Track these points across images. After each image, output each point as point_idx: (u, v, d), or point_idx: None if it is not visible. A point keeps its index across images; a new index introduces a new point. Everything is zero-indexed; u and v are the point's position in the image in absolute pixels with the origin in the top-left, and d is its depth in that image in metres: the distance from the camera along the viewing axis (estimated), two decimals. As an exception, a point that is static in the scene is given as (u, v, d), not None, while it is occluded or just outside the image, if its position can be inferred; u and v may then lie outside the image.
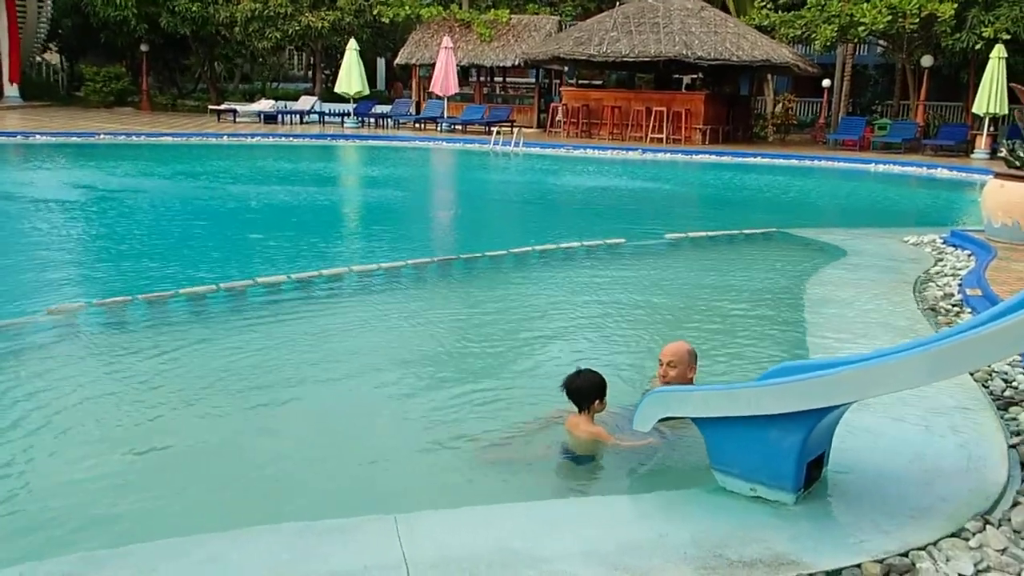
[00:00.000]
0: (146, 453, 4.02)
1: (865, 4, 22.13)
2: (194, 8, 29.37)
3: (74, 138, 20.61)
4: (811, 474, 3.47)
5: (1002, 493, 3.49)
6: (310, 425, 4.45)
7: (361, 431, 4.39)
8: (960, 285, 6.95)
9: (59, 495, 3.58)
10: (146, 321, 5.91)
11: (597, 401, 4.02)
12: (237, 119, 27.52)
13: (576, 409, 4.07)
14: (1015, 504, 3.41)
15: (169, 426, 4.32)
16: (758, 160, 20.59)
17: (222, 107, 28.76)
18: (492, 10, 29.14)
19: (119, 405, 4.51)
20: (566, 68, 29.89)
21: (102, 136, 21.16)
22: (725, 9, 26.74)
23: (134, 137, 21.57)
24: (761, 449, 3.39)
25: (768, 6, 24.87)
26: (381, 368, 5.23)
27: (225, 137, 22.47)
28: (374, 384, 4.99)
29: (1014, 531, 3.14)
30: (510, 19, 28.60)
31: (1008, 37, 20.69)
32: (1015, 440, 4.05)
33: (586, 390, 4.00)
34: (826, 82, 26.67)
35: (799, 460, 3.36)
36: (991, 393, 4.70)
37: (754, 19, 25.11)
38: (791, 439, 3.33)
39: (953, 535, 3.10)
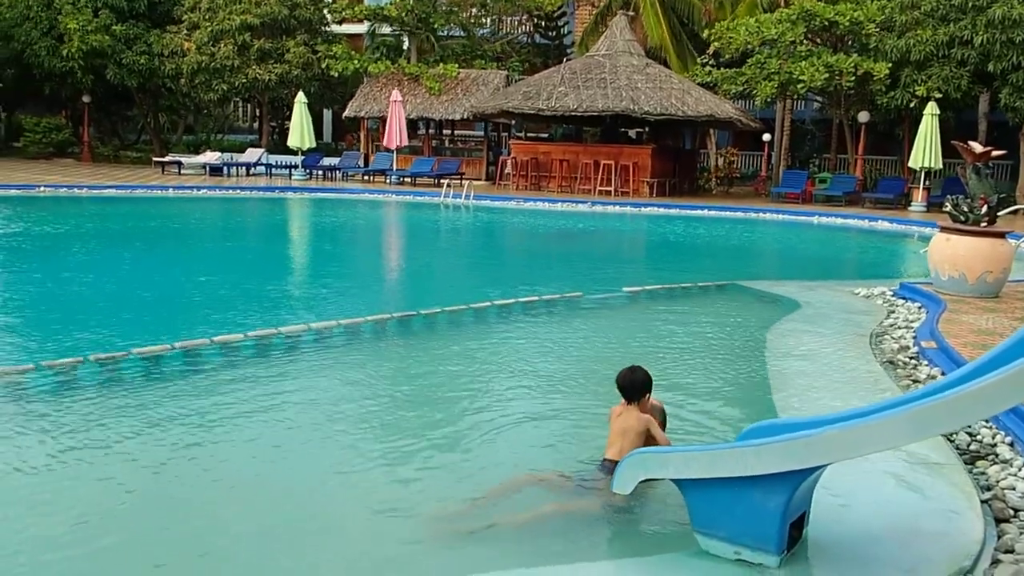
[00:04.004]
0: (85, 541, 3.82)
1: (803, 63, 22.87)
2: (142, 60, 29.12)
3: (13, 191, 20.07)
4: (792, 535, 3.44)
5: (981, 550, 3.50)
6: (266, 503, 4.19)
7: (322, 506, 4.17)
8: (915, 338, 7.07)
9: None
10: (100, 383, 5.69)
11: (647, 395, 4.34)
12: (182, 171, 27.17)
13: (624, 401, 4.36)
14: (995, 562, 3.42)
15: (119, 507, 4.12)
16: (706, 212, 20.96)
17: (166, 159, 28.38)
18: (441, 64, 29.39)
19: (66, 483, 4.30)
20: (513, 121, 30.25)
21: (43, 189, 20.65)
22: (667, 67, 27.36)
23: (76, 189, 21.09)
24: (745, 511, 3.35)
25: (710, 63, 25.51)
26: (341, 434, 5.04)
27: (171, 190, 22.12)
28: (334, 451, 4.78)
29: (999, 591, 3.14)
30: (458, 73, 28.90)
31: (940, 95, 21.54)
32: (986, 495, 4.09)
33: (640, 382, 4.32)
34: (766, 136, 27.40)
35: (783, 521, 3.33)
36: (957, 447, 4.75)
37: (697, 76, 25.73)
38: (776, 500, 3.31)
39: (941, 597, 3.09)
